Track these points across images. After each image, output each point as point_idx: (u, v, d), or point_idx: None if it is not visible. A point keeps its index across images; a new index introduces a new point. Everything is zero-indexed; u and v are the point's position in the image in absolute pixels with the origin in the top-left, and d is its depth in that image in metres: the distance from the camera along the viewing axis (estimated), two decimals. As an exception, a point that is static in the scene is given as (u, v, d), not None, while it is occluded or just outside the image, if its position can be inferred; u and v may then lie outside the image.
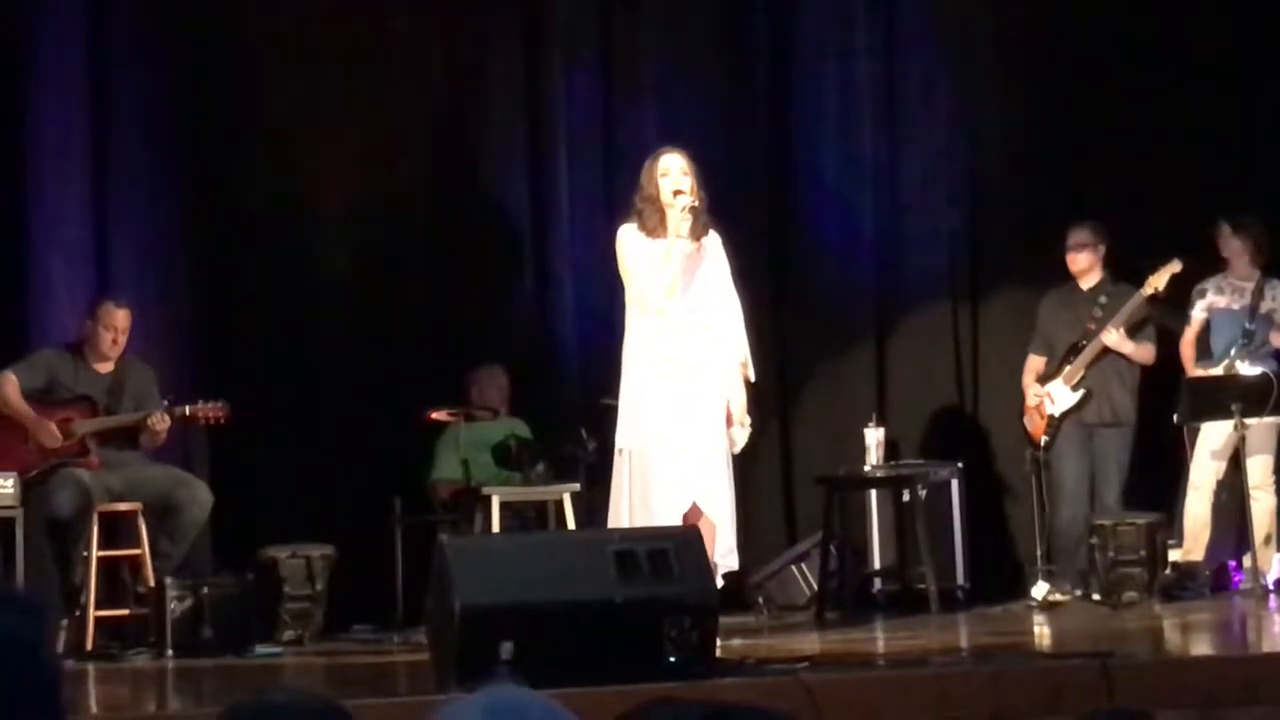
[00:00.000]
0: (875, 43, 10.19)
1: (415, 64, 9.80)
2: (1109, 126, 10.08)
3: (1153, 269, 9.26)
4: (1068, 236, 9.45)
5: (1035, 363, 9.56)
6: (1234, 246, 9.40)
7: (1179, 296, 9.48)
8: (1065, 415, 9.34)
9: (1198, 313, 9.46)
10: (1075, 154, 10.12)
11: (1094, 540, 8.96)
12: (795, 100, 10.14)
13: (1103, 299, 9.40)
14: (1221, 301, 9.41)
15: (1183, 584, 9.04)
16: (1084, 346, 9.34)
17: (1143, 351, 9.39)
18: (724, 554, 7.45)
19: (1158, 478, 9.64)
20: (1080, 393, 9.32)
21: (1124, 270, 9.41)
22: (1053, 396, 9.36)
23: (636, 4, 10.06)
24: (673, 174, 7.53)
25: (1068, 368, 9.35)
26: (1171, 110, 9.96)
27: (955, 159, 10.15)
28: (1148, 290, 9.27)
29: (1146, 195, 9.92)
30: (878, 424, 9.38)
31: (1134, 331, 9.35)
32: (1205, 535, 9.20)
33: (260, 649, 8.21)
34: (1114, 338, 9.29)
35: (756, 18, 10.16)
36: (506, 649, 6.08)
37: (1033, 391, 9.46)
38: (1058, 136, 10.13)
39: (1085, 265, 9.47)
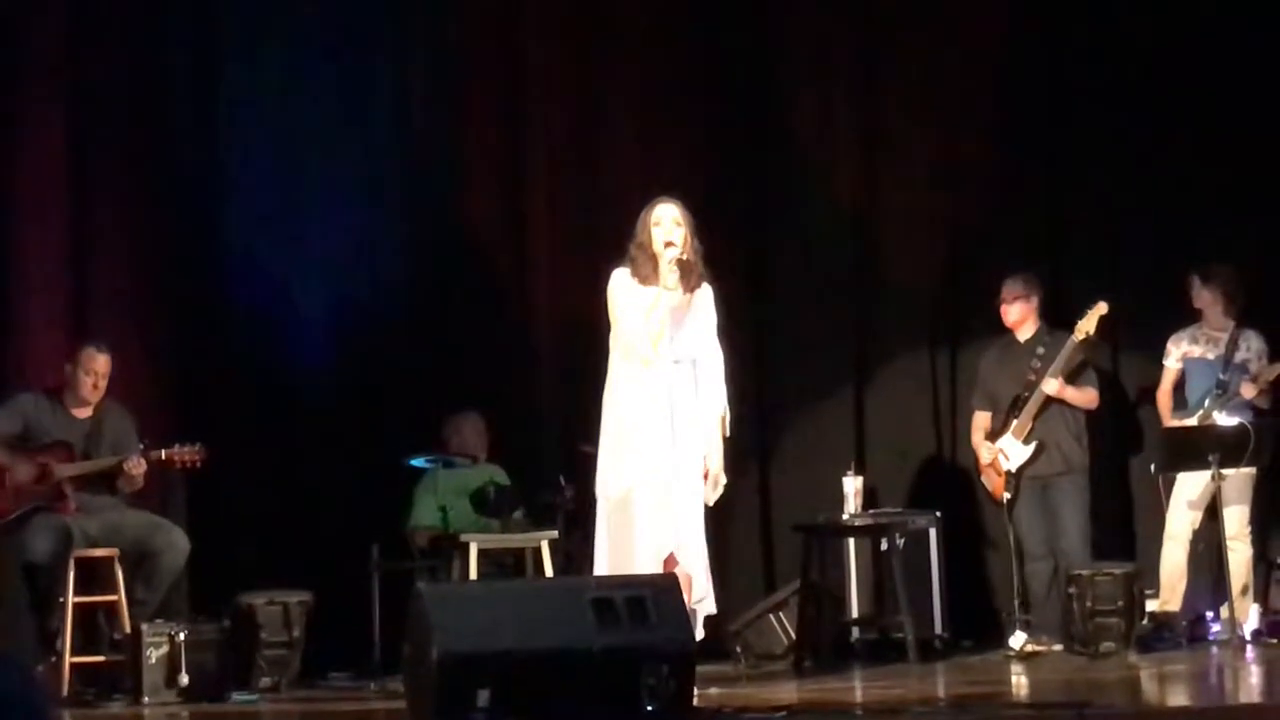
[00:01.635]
0: (854, 90, 10.23)
1: (395, 107, 9.82)
2: (1087, 176, 10.12)
3: (1081, 314, 9.29)
4: (1001, 290, 9.48)
5: (981, 419, 9.56)
6: (1205, 298, 9.43)
7: (1150, 341, 9.53)
8: (1022, 469, 9.36)
9: (1173, 363, 9.48)
10: (1053, 202, 10.16)
11: (1071, 590, 8.96)
12: (774, 147, 10.17)
13: (1040, 349, 9.40)
14: (1196, 351, 9.43)
15: (1160, 634, 9.03)
16: (1027, 399, 9.34)
17: (1084, 396, 9.40)
18: (699, 600, 7.44)
19: (1115, 523, 9.68)
20: (1033, 445, 9.32)
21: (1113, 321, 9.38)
22: (1006, 453, 9.36)
23: (616, 46, 10.09)
24: (665, 224, 7.52)
25: (1015, 421, 9.34)
26: (1149, 159, 10.00)
27: (934, 207, 10.18)
28: (1079, 335, 9.27)
29: (1124, 244, 9.95)
30: (856, 472, 9.40)
31: (1073, 377, 9.37)
32: (1182, 585, 9.21)
33: (237, 696, 8.19)
34: (1054, 386, 9.29)
35: (736, 64, 10.20)
36: (484, 697, 6.07)
37: (985, 449, 9.45)
38: (1036, 185, 10.18)
39: (1019, 317, 9.48)
